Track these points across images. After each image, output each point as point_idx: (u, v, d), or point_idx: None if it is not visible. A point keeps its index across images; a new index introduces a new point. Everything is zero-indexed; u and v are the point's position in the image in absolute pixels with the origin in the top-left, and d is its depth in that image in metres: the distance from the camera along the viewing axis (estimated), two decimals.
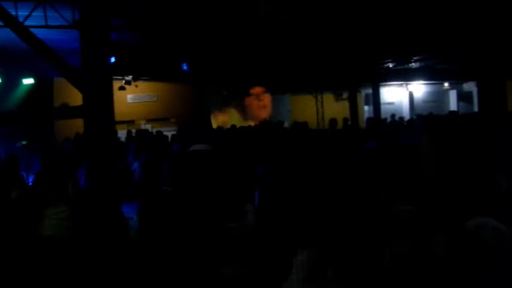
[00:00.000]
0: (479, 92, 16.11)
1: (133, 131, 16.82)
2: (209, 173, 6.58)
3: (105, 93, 8.11)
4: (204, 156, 7.03)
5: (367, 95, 24.36)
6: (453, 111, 13.50)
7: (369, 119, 14.17)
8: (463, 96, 26.78)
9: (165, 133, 14.27)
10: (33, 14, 9.26)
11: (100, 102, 8.02)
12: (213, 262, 5.28)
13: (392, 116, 20.33)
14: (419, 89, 26.75)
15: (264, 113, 23.61)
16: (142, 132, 15.63)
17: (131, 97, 19.79)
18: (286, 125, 19.42)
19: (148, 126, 19.47)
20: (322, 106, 23.16)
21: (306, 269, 4.40)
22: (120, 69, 16.07)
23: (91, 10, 8.00)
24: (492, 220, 4.48)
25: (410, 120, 16.86)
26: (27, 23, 8.70)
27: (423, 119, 14.85)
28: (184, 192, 6.31)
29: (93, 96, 7.98)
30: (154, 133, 15.22)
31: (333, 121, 12.61)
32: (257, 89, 23.64)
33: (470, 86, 25.96)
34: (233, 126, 16.18)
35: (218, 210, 5.89)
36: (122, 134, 15.51)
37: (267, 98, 24.18)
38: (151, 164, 10.58)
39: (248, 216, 6.15)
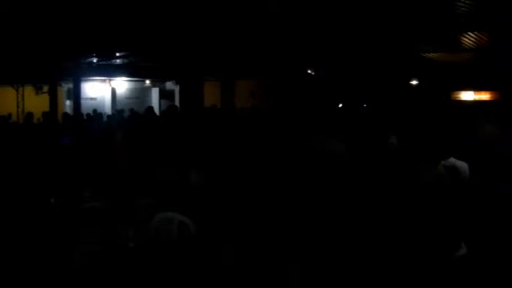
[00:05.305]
0: (180, 91, 16.92)
1: None
2: None
3: None
4: None
5: (69, 90, 23.74)
6: (150, 107, 13.99)
7: (64, 114, 13.95)
8: (165, 94, 27.73)
9: None
10: None
11: None
12: None
13: (94, 111, 20.29)
14: (122, 85, 26.98)
15: None
16: None
17: None
18: None
19: None
20: (23, 99, 22.26)
21: None
22: None
23: None
24: (178, 215, 4.72)
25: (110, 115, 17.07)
26: None
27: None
28: None
29: None
30: None
31: (29, 115, 12.37)
32: None
33: (172, 85, 27.03)
34: None
35: None
36: None
37: None
38: None
39: None
